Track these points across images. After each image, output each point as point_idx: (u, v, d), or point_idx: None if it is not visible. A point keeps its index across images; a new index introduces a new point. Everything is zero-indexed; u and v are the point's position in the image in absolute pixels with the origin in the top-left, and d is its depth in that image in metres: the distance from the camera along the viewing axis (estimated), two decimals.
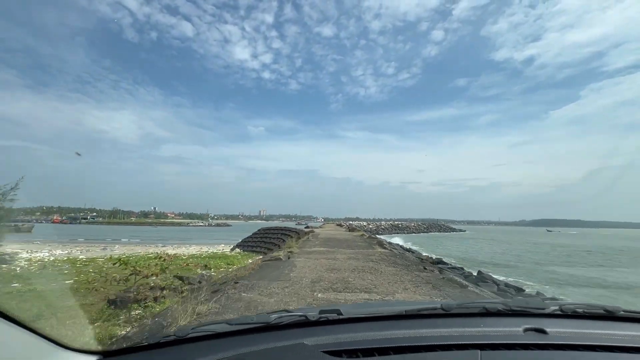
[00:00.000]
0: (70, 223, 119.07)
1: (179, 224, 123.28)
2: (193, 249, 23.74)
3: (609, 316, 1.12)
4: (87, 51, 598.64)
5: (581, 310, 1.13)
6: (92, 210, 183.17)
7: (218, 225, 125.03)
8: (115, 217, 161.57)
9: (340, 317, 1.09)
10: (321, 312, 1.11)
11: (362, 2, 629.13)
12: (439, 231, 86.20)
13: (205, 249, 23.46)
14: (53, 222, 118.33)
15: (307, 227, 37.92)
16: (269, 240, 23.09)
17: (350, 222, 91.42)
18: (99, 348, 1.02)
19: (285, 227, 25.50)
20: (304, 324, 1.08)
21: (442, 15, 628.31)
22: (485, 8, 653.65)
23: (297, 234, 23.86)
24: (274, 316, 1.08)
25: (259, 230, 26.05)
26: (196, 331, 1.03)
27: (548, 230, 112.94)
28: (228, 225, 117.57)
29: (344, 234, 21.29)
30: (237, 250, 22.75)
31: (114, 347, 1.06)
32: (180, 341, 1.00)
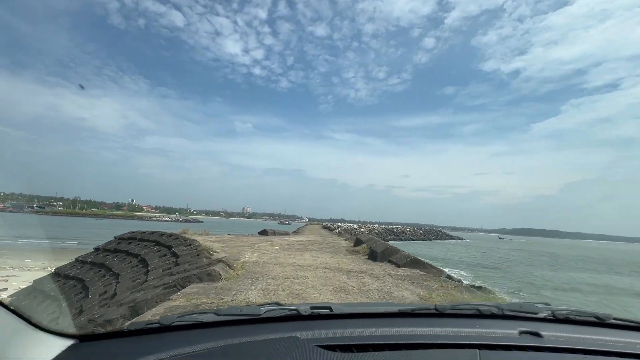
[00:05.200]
0: (11, 211, 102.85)
1: (140, 218, 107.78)
2: None
3: (600, 323, 1.14)
4: (70, 34, 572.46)
5: (573, 316, 1.15)
6: (58, 199, 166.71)
7: (187, 221, 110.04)
8: (75, 207, 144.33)
9: (333, 313, 1.09)
10: (313, 307, 1.10)
11: (357, 4, 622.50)
12: (437, 238, 77.73)
13: None
14: None
15: (263, 231, 23.47)
16: (111, 271, 9.31)
17: (338, 223, 77.71)
18: (77, 332, 0.97)
19: (171, 236, 11.07)
20: (296, 317, 1.06)
21: (434, 23, 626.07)
22: (477, 19, 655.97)
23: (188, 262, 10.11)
24: (264, 309, 1.06)
25: (115, 238, 12.05)
26: (182, 320, 1.01)
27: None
28: (199, 222, 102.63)
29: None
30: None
31: (93, 332, 1.03)
32: (165, 329, 0.98)
